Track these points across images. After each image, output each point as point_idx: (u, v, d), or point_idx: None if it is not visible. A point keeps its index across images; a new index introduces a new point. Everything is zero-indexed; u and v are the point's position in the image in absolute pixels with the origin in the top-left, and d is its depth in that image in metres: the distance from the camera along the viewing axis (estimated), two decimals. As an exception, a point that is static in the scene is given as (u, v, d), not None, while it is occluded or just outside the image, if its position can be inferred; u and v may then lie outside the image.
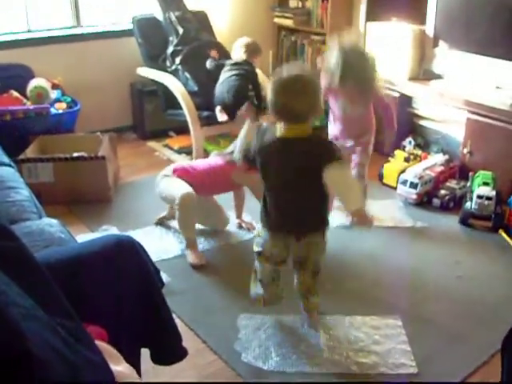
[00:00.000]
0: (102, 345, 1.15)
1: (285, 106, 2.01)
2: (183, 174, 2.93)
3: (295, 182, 2.06)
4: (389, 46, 4.08)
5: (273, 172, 2.08)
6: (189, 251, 2.89)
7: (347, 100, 2.97)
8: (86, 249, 1.56)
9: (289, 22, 5.02)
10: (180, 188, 2.84)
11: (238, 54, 3.99)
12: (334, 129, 3.16)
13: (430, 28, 3.93)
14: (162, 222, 3.25)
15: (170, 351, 1.70)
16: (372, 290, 2.65)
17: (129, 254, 1.53)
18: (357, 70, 2.79)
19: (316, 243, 2.17)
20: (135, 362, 1.56)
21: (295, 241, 2.13)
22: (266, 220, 2.15)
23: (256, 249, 2.23)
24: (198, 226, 3.09)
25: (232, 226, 3.22)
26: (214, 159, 3.06)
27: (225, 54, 4.36)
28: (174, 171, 2.96)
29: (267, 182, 2.11)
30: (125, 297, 1.50)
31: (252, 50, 3.94)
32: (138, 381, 1.18)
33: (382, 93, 3.13)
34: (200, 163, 3.11)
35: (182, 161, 3.76)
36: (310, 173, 2.02)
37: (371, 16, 4.27)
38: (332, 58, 2.81)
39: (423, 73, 4.03)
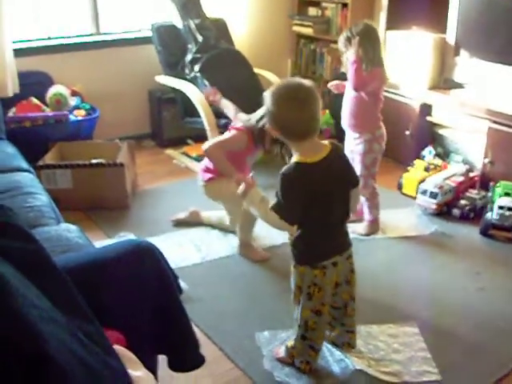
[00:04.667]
0: (120, 349, 1.13)
1: (302, 120, 1.87)
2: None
3: (339, 201, 1.99)
4: (409, 54, 4.05)
5: (319, 199, 1.92)
6: (247, 251, 2.99)
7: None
8: (105, 254, 1.55)
9: (308, 31, 5.01)
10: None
11: None
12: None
13: (451, 36, 3.90)
14: (180, 223, 3.30)
15: (187, 358, 1.68)
16: (389, 300, 2.62)
17: (148, 259, 1.51)
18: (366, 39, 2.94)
19: (351, 255, 2.11)
20: (152, 369, 1.54)
21: (340, 256, 2.03)
22: (315, 253, 2.02)
23: (306, 308, 2.05)
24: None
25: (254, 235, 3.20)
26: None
27: (244, 62, 4.36)
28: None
29: (313, 212, 1.94)
30: (143, 302, 1.48)
31: None
32: (157, 387, 1.16)
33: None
34: None
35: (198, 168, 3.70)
36: (346, 190, 2.01)
37: (391, 24, 4.25)
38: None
39: (444, 82, 3.99)
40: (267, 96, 1.91)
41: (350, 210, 2.04)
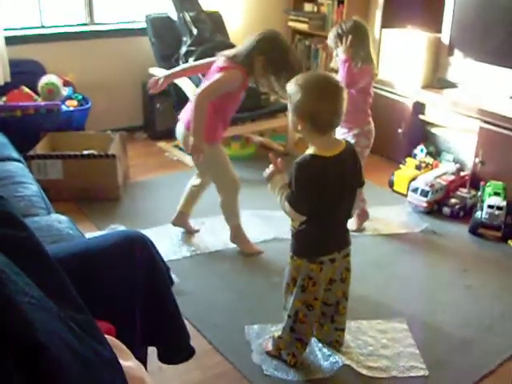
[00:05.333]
0: (111, 339, 1.13)
1: (332, 112, 1.89)
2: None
3: (346, 199, 2.01)
4: (403, 53, 4.07)
5: (330, 194, 1.94)
6: (240, 241, 2.96)
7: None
8: (96, 244, 1.55)
9: (303, 26, 5.01)
10: (230, 171, 2.86)
11: None
12: None
13: (445, 36, 3.91)
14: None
15: (177, 350, 1.68)
16: (379, 297, 2.63)
17: (140, 249, 1.51)
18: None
19: (349, 253, 2.13)
20: (142, 360, 1.54)
21: (338, 254, 2.05)
22: (315, 247, 2.03)
23: (299, 300, 2.06)
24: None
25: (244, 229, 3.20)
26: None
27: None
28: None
29: (321, 207, 1.95)
30: (135, 293, 1.48)
31: None
32: (147, 376, 1.16)
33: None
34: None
35: (190, 161, 3.67)
36: (354, 188, 2.03)
37: (387, 22, 4.25)
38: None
39: (437, 81, 4.01)
40: (294, 87, 1.90)
41: (352, 210, 2.07)
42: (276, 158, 2.04)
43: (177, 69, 3.07)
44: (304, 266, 2.02)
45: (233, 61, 2.69)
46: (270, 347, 2.21)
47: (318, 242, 2.02)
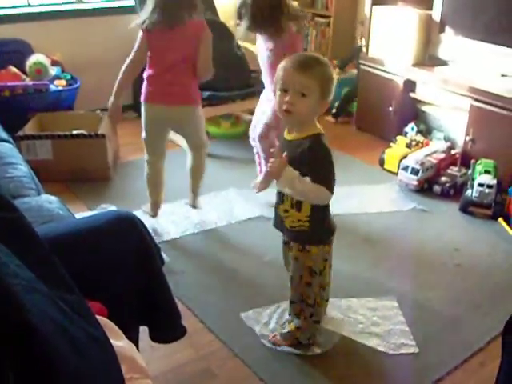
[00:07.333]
0: (102, 320, 1.13)
1: None
2: None
3: None
4: (394, 30, 4.04)
5: None
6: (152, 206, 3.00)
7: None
8: (86, 224, 1.54)
9: (293, 4, 4.94)
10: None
11: None
12: None
13: (436, 13, 3.89)
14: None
15: (168, 329, 1.69)
16: (369, 275, 2.65)
17: (130, 229, 1.51)
18: None
19: None
20: (134, 340, 1.54)
21: None
22: (330, 227, 2.02)
23: (318, 286, 2.03)
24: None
25: (231, 208, 3.20)
26: None
27: (228, 35, 4.31)
28: None
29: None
30: (125, 272, 1.48)
31: None
32: (139, 356, 1.16)
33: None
34: None
35: (181, 141, 3.68)
36: None
37: (377, -1, 4.22)
38: None
39: (428, 58, 3.99)
40: (322, 70, 1.83)
41: None
42: (279, 151, 1.91)
43: (115, 91, 3.01)
44: (321, 252, 1.99)
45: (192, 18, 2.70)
46: (282, 340, 2.15)
47: (332, 219, 2.01)
